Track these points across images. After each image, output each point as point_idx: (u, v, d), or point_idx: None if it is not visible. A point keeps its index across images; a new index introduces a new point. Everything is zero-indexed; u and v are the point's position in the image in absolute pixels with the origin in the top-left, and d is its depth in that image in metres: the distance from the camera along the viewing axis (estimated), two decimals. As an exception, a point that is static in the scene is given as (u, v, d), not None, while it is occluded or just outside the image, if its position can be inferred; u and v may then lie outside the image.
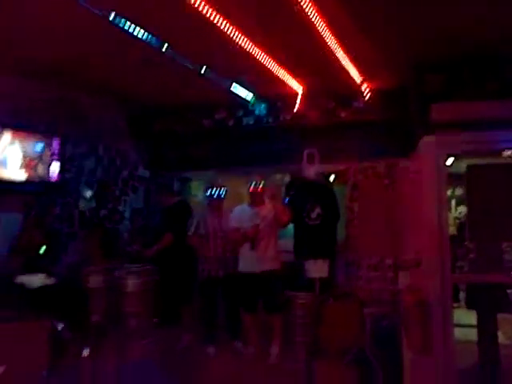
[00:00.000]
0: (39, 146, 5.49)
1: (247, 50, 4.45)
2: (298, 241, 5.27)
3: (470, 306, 4.36)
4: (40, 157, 5.49)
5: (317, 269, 4.73)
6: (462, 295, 5.47)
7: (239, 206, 5.31)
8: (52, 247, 5.33)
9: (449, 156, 4.60)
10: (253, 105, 6.28)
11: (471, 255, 4.05)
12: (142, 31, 4.14)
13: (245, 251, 5.04)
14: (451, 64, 4.99)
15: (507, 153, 4.42)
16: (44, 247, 5.21)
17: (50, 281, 4.96)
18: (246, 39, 4.31)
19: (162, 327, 5.24)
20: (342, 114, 5.87)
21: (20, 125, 5.27)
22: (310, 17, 3.79)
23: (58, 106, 5.66)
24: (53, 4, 3.63)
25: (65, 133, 5.75)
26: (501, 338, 4.03)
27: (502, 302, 3.99)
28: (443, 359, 3.73)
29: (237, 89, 5.76)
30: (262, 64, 4.82)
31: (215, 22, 3.86)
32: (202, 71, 5.03)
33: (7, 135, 5.07)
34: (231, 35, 4.11)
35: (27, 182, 5.33)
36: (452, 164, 5.18)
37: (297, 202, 5.26)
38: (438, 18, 4.00)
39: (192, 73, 4.98)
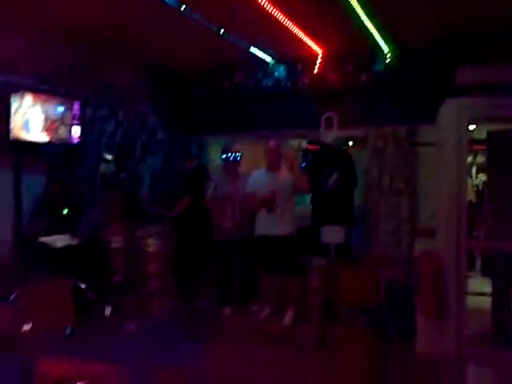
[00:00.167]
0: (60, 109, 5.53)
1: (267, 10, 4.36)
2: (315, 207, 5.27)
3: (485, 273, 4.35)
4: (61, 119, 5.54)
5: (333, 235, 4.75)
6: (477, 265, 5.46)
7: (256, 170, 5.31)
8: (75, 208, 5.45)
9: (471, 122, 4.50)
10: (272, 67, 6.20)
11: (489, 222, 4.01)
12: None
13: (262, 215, 5.08)
14: (479, 25, 4.79)
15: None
16: (67, 208, 5.33)
17: (73, 241, 5.11)
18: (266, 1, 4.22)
19: (181, 287, 5.40)
20: (363, 77, 5.74)
21: (41, 88, 5.30)
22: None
23: (79, 70, 5.68)
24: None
25: (85, 96, 5.78)
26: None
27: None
28: (456, 325, 3.76)
29: (256, 50, 5.68)
30: (282, 25, 4.73)
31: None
32: (221, 32, 4.96)
33: (28, 98, 5.11)
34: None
35: (49, 144, 5.40)
36: (474, 130, 5.07)
37: (314, 168, 5.24)
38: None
39: (211, 34, 4.92)
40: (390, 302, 4.17)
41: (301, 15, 4.61)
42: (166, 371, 2.65)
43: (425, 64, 5.38)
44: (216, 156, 6.55)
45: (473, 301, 4.07)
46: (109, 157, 6.02)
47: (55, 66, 5.41)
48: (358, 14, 4.41)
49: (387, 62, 5.50)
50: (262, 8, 4.28)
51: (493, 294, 3.94)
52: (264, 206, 4.99)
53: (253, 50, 5.60)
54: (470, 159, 6.95)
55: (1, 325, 3.30)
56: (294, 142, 6.77)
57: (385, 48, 5.39)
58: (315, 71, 5.84)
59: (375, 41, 5.14)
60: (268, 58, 5.97)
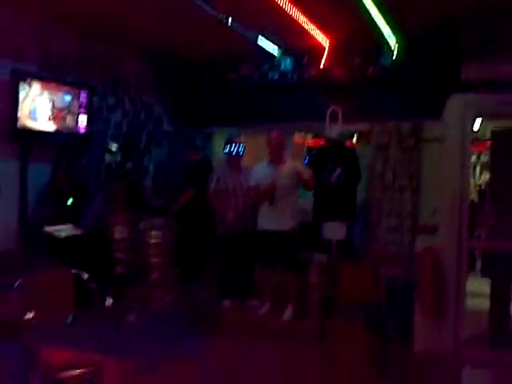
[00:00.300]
0: (67, 98, 5.55)
1: (275, 1, 4.34)
2: (317, 202, 5.24)
3: (484, 273, 4.35)
4: (68, 108, 5.56)
5: (335, 231, 4.75)
6: (477, 265, 5.44)
7: (260, 163, 5.30)
8: (79, 198, 5.49)
9: (476, 117, 4.47)
10: (278, 59, 6.17)
11: (490, 222, 4.00)
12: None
13: (264, 209, 5.07)
14: (487, 21, 4.74)
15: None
16: (72, 198, 5.37)
17: (76, 231, 5.16)
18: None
19: (182, 280, 5.44)
20: (369, 71, 5.70)
21: (49, 76, 5.32)
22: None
23: (87, 59, 5.69)
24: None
25: (92, 85, 5.80)
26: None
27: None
28: (454, 325, 3.77)
29: (263, 42, 5.65)
30: (289, 15, 4.70)
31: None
32: (229, 22, 4.93)
33: (36, 86, 5.13)
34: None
35: (56, 133, 5.41)
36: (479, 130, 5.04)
37: (318, 163, 5.22)
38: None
39: (218, 25, 4.90)
40: (389, 299, 4.18)
41: (308, 5, 4.58)
42: (177, 362, 2.69)
43: (431, 59, 5.34)
44: (220, 148, 6.57)
45: (472, 301, 4.07)
46: (114, 147, 6.04)
47: (63, 55, 5.44)
48: (364, 4, 4.36)
49: (394, 55, 5.45)
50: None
51: (491, 295, 3.94)
52: (265, 198, 4.96)
53: (260, 40, 5.57)
54: (473, 158, 6.91)
55: (5, 311, 3.36)
56: (300, 135, 6.75)
57: (391, 40, 5.34)
58: (321, 65, 5.80)
59: (382, 33, 5.09)
60: (275, 50, 5.94)
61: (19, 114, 4.91)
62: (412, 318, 3.99)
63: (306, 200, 5.37)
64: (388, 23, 4.93)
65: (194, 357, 3.10)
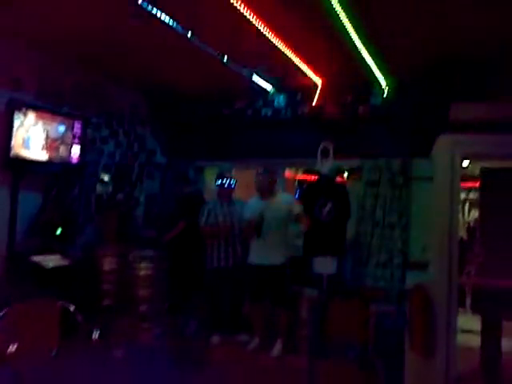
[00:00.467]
0: (62, 128, 5.59)
1: (271, 41, 4.46)
2: (307, 236, 5.25)
3: (475, 310, 4.34)
4: (62, 139, 5.58)
5: (325, 265, 4.74)
6: (468, 302, 5.43)
7: (252, 198, 5.31)
8: (68, 228, 5.45)
9: (464, 158, 4.56)
10: (272, 95, 6.30)
11: (479, 259, 4.03)
12: (168, 17, 4.17)
13: (254, 243, 5.06)
14: (474, 63, 4.90)
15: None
16: (60, 228, 5.33)
17: (64, 261, 5.09)
18: (268, 29, 4.32)
19: (171, 313, 5.36)
20: (360, 110, 5.83)
21: (44, 106, 5.37)
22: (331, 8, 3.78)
23: (82, 90, 5.76)
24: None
25: (87, 116, 5.85)
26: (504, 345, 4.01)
27: (508, 308, 3.96)
28: (445, 362, 3.74)
29: (257, 78, 5.77)
30: (284, 56, 4.83)
31: (238, 11, 3.88)
32: (224, 59, 5.04)
33: (31, 116, 5.16)
34: (254, 23, 4.12)
35: (48, 163, 5.42)
36: (468, 166, 5.13)
37: (309, 198, 5.26)
38: (463, 17, 3.93)
39: (213, 61, 5.00)
40: (379, 337, 4.14)
41: (302, 46, 4.71)
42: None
43: (420, 99, 5.48)
44: (212, 182, 6.60)
45: (462, 338, 4.05)
46: (106, 178, 6.04)
47: (59, 85, 5.50)
48: (356, 46, 4.51)
49: (384, 95, 5.60)
50: (265, 38, 4.37)
51: (482, 332, 3.93)
52: (251, 231, 4.95)
53: (254, 78, 5.69)
54: (462, 195, 7.00)
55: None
56: (292, 170, 6.79)
57: (382, 81, 5.50)
58: (314, 102, 5.92)
59: (373, 73, 5.24)
60: (268, 87, 6.06)
61: (13, 143, 4.92)
62: (403, 356, 3.96)
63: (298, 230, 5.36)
64: (378, 66, 5.10)
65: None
